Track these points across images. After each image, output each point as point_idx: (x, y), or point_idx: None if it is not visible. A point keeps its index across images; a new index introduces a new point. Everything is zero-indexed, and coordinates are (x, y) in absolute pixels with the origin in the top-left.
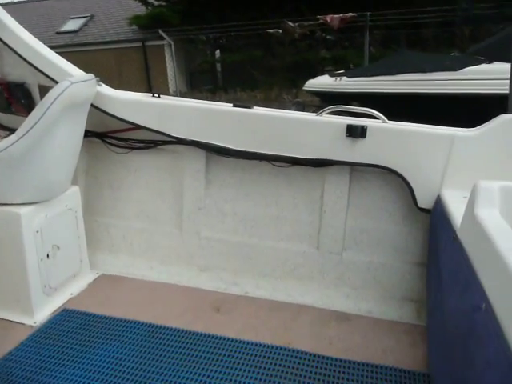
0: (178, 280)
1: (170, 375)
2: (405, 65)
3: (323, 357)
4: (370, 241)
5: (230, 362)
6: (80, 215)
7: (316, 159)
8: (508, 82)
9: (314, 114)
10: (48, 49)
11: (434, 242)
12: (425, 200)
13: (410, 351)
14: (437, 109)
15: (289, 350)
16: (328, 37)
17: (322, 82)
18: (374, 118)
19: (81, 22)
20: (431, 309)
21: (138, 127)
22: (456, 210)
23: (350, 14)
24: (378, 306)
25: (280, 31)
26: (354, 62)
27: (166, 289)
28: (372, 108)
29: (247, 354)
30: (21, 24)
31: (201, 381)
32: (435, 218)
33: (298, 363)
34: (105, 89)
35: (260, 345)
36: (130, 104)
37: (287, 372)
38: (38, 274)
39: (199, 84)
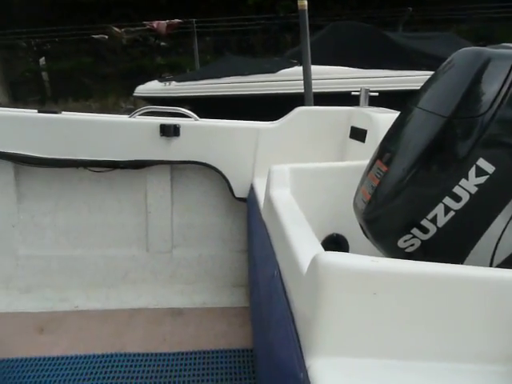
0: None
1: None
2: (229, 69)
3: (156, 354)
4: (197, 235)
5: (55, 381)
6: None
7: (134, 161)
8: (315, 81)
9: (127, 116)
10: None
11: (250, 227)
12: (240, 190)
13: (239, 332)
14: (257, 108)
15: (121, 355)
16: (162, 43)
17: (151, 88)
18: (187, 116)
19: None
20: (251, 289)
21: None
22: (262, 194)
23: (177, 20)
24: (211, 296)
25: (106, 37)
26: (191, 67)
27: None
28: (201, 110)
29: (75, 369)
30: None
31: None
32: (250, 205)
33: (131, 366)
34: None
35: (89, 357)
36: None
37: (118, 377)
38: None
39: (24, 95)
